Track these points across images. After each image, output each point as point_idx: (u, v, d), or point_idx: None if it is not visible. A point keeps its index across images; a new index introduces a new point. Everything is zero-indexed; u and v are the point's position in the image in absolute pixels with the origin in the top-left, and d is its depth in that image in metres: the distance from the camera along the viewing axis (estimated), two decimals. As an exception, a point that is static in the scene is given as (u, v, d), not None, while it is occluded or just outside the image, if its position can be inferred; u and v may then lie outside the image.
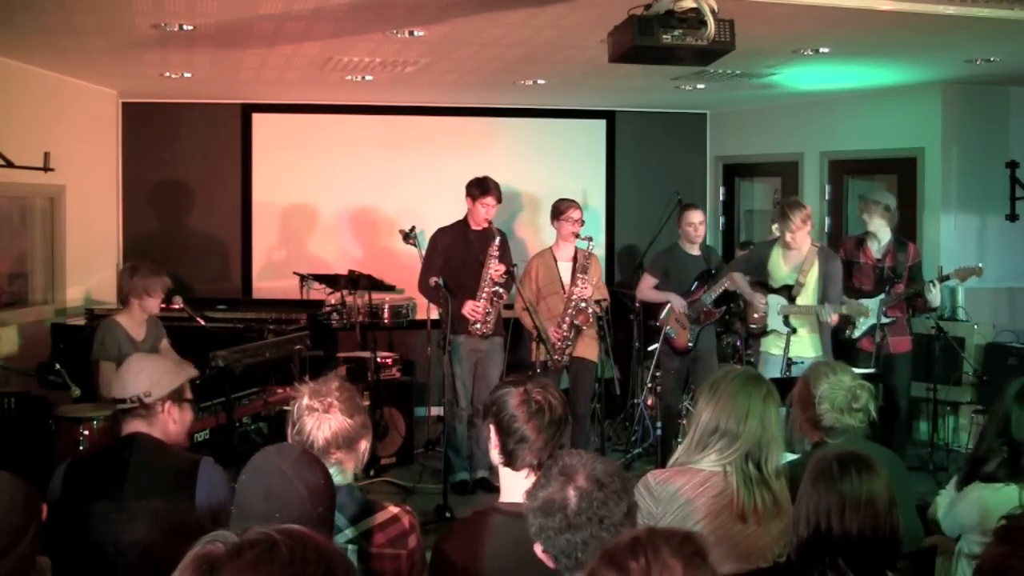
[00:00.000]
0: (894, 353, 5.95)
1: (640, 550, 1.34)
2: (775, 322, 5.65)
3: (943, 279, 5.72)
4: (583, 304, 6.03)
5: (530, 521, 1.96)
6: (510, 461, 2.40)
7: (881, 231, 5.97)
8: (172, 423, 2.85)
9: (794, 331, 5.50)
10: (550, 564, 1.95)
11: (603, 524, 1.89)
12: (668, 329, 6.33)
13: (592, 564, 1.42)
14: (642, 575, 1.32)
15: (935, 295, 5.72)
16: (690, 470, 2.69)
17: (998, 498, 2.90)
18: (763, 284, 5.84)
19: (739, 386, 2.73)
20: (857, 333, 5.95)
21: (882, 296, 5.83)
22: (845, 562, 2.18)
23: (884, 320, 5.84)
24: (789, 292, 5.67)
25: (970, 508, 3.01)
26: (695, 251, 6.51)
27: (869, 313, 5.68)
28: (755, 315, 5.82)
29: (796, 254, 5.70)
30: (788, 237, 5.61)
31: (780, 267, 5.77)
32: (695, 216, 6.43)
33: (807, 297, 5.63)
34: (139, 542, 2.53)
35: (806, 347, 5.55)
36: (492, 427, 2.43)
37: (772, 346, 5.68)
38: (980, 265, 5.73)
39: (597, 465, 1.96)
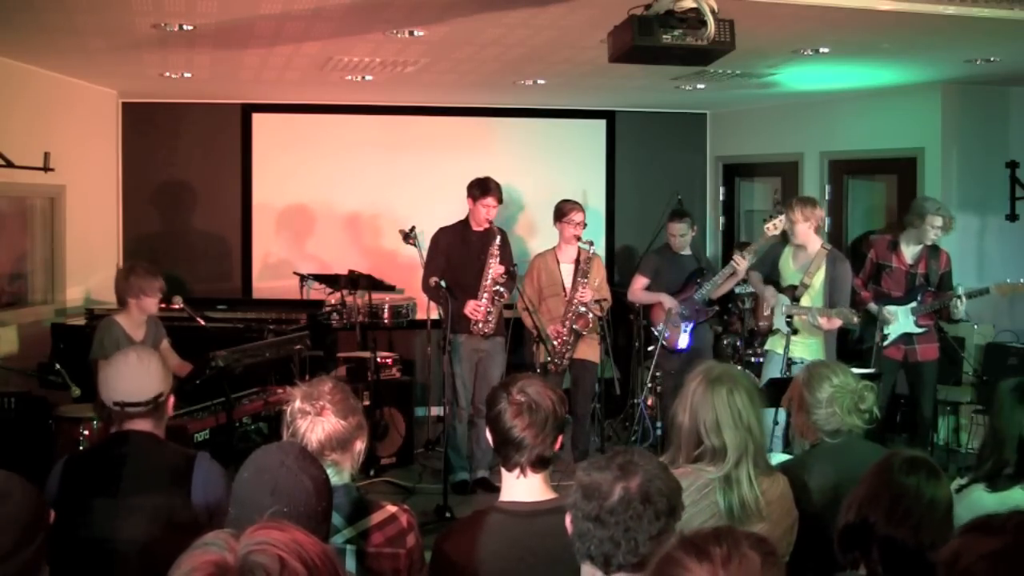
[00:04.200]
0: (922, 361, 5.88)
1: (722, 539, 1.39)
2: (779, 321, 5.64)
3: (981, 292, 5.65)
4: (583, 309, 6.04)
5: (572, 491, 1.91)
6: (503, 461, 2.40)
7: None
8: (168, 413, 2.86)
9: (795, 332, 5.46)
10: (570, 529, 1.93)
11: (627, 533, 1.85)
12: (660, 328, 6.34)
13: (668, 549, 1.42)
14: (723, 560, 1.36)
15: (961, 310, 5.68)
16: (695, 471, 2.69)
17: (997, 499, 2.88)
18: (774, 283, 5.84)
19: (705, 390, 2.70)
20: (886, 342, 5.89)
21: (912, 304, 5.79)
22: (881, 557, 2.14)
23: (916, 330, 5.80)
24: (793, 292, 5.65)
25: (969, 510, 3.00)
26: (686, 251, 6.52)
27: (856, 322, 5.55)
28: (764, 313, 5.83)
29: (804, 254, 5.67)
30: (792, 231, 5.60)
31: (789, 266, 5.75)
32: (675, 228, 6.52)
33: (809, 299, 5.58)
34: (136, 538, 2.53)
35: (803, 349, 5.49)
36: (487, 428, 2.45)
37: (777, 345, 5.67)
38: (1023, 281, 5.68)
39: (656, 480, 1.89)
